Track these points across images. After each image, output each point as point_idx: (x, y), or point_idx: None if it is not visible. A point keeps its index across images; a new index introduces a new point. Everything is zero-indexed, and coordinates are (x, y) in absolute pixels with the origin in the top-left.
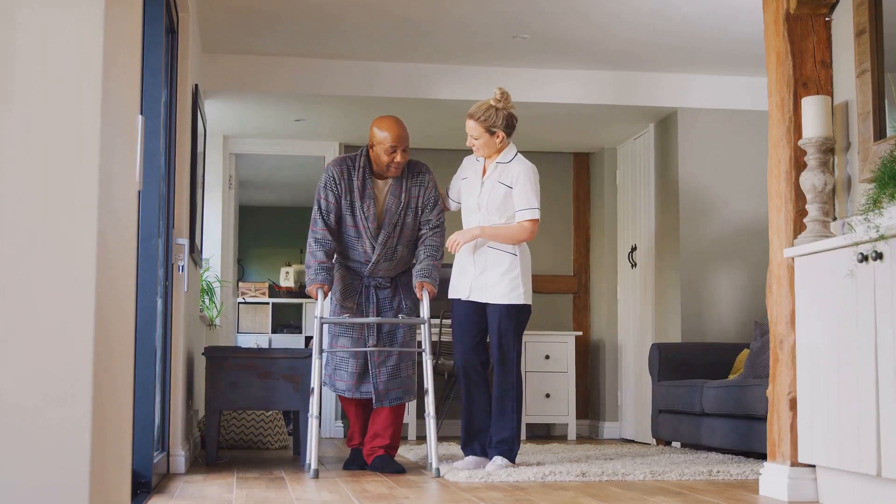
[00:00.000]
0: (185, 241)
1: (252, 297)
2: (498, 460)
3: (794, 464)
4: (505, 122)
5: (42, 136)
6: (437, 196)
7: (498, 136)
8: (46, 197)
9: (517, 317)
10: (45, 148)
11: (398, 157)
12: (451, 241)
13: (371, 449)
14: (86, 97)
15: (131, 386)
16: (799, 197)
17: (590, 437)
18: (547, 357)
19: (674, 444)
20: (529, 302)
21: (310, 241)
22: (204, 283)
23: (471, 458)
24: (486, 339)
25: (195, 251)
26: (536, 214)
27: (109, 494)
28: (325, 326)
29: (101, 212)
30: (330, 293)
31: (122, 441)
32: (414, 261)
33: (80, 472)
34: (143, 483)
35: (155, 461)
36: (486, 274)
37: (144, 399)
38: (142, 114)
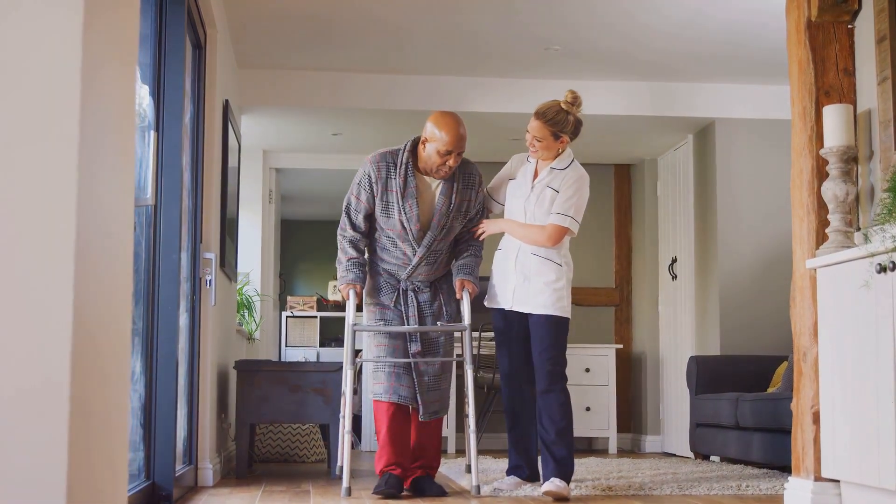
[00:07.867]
0: (212, 255)
1: (300, 310)
2: (557, 482)
3: (818, 478)
4: (574, 128)
5: (20, 148)
6: (482, 199)
7: (563, 142)
8: (22, 208)
9: (563, 329)
10: (22, 159)
11: (451, 162)
12: (480, 226)
13: (412, 470)
14: (62, 110)
15: (126, 403)
16: (821, 207)
17: (632, 450)
18: (587, 370)
19: (712, 458)
20: (569, 315)
21: (339, 238)
22: (243, 297)
23: (512, 479)
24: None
25: (227, 265)
26: (566, 223)
27: None
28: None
29: (81, 224)
30: (364, 292)
31: (115, 458)
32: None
33: (57, 490)
34: (165, 496)
35: (180, 474)
36: (530, 283)
37: (166, 412)
38: (158, 130)
